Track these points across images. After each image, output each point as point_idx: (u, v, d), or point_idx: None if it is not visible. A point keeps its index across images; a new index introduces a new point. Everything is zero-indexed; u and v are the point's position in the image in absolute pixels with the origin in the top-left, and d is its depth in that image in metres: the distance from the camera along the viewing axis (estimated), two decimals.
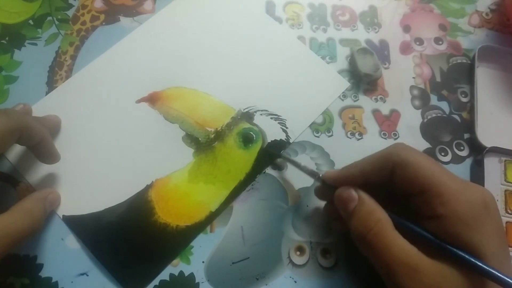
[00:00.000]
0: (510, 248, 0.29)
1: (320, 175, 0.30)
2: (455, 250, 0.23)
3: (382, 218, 0.25)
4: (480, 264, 0.23)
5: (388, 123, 0.38)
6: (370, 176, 0.27)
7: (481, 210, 0.24)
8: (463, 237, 0.23)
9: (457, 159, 0.37)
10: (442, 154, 0.37)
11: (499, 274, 0.22)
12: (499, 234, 0.24)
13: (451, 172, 0.26)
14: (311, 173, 0.31)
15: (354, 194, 0.27)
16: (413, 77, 0.40)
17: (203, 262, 0.32)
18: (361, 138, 0.37)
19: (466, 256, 0.23)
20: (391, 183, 0.27)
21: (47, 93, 0.37)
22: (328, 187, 0.29)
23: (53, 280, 0.31)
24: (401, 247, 0.24)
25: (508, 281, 0.22)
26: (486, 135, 0.37)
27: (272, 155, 0.36)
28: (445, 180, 0.25)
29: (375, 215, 0.26)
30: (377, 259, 0.25)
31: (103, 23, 0.41)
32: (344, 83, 0.39)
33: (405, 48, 0.42)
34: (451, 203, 0.24)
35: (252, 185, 0.35)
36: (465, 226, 0.23)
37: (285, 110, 0.37)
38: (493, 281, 0.22)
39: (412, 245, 0.24)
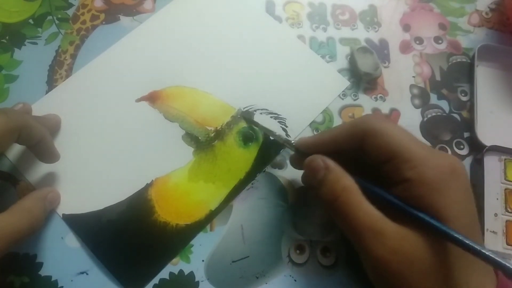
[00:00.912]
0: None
1: (293, 143, 0.31)
2: (415, 211, 0.24)
3: (349, 185, 0.26)
4: (436, 223, 0.23)
5: None
6: (341, 143, 0.28)
7: (447, 174, 0.24)
8: (428, 200, 0.24)
9: None
10: None
11: (454, 234, 0.22)
12: (465, 199, 0.25)
13: (421, 141, 0.26)
14: (285, 141, 0.32)
15: (321, 163, 0.27)
16: (413, 76, 0.40)
17: (203, 260, 0.32)
18: None
19: (425, 217, 0.23)
20: (362, 152, 0.27)
21: (47, 92, 0.37)
22: (301, 155, 0.30)
23: (53, 279, 0.31)
24: (366, 212, 0.25)
25: (463, 240, 0.22)
26: (486, 134, 0.37)
27: (246, 120, 0.36)
28: (415, 147, 0.25)
29: (341, 182, 0.26)
30: (345, 225, 0.26)
31: (103, 22, 0.41)
32: (344, 82, 0.39)
33: (405, 47, 0.42)
34: (419, 167, 0.24)
35: (252, 183, 0.35)
36: (431, 189, 0.24)
37: (285, 109, 0.37)
38: (450, 241, 0.23)
39: (378, 211, 0.25)
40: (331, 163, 0.27)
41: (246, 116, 0.36)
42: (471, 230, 0.24)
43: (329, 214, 0.27)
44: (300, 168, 0.33)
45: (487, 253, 0.22)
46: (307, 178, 0.30)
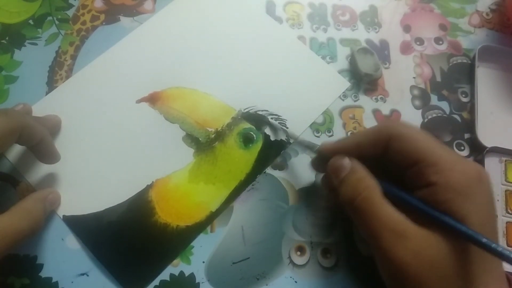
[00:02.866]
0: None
1: (316, 147, 0.31)
2: (441, 214, 0.24)
3: (371, 185, 0.26)
4: (465, 228, 0.23)
5: None
6: (365, 148, 0.28)
7: (474, 180, 0.24)
8: (453, 204, 0.23)
9: None
10: None
11: (481, 238, 0.22)
12: (489, 206, 0.25)
13: (445, 146, 0.26)
14: (309, 145, 0.33)
15: (346, 162, 0.27)
16: (414, 77, 0.40)
17: (203, 262, 0.32)
18: None
19: (451, 221, 0.23)
20: (386, 157, 0.27)
21: (47, 93, 0.37)
22: (324, 158, 0.30)
23: (53, 280, 0.31)
24: (388, 213, 0.25)
25: (490, 243, 0.22)
26: (487, 135, 0.37)
27: (269, 125, 0.36)
28: (440, 151, 0.25)
29: (364, 182, 0.26)
30: (364, 224, 0.25)
31: (103, 23, 0.40)
32: (344, 83, 0.39)
33: (406, 48, 0.42)
34: (445, 172, 0.24)
35: (253, 185, 0.35)
36: (457, 194, 0.24)
37: (286, 110, 0.37)
38: (476, 245, 0.23)
39: (400, 213, 0.25)
40: (356, 163, 0.27)
41: (265, 120, 0.36)
42: (494, 236, 0.24)
43: (349, 214, 0.27)
44: (321, 171, 0.33)
45: None
46: (328, 178, 0.30)
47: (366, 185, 0.26)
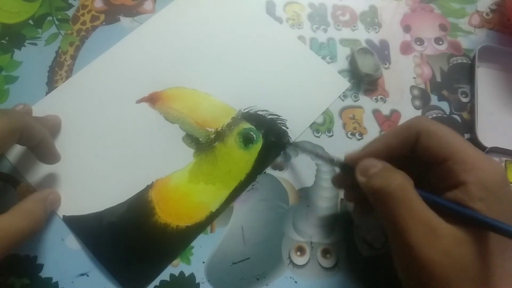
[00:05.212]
0: None
1: (336, 160, 0.30)
2: (476, 214, 0.23)
3: (406, 176, 0.25)
4: (506, 226, 0.22)
5: (388, 123, 0.38)
6: (395, 148, 0.27)
7: (502, 179, 0.24)
8: (485, 202, 0.23)
9: None
10: None
11: None
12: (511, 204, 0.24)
13: (471, 143, 0.26)
14: (330, 160, 0.32)
15: (376, 161, 0.27)
16: (414, 77, 0.40)
17: (203, 262, 0.32)
18: (362, 138, 0.37)
19: (488, 219, 0.22)
20: (415, 154, 0.26)
21: (47, 93, 0.37)
22: (348, 171, 0.29)
23: (54, 281, 0.31)
24: (421, 206, 0.24)
25: None
26: (487, 135, 0.37)
27: (280, 144, 0.36)
28: (468, 149, 0.25)
29: (398, 173, 0.25)
30: (394, 214, 0.24)
31: (103, 23, 0.40)
32: (344, 83, 0.39)
33: (406, 48, 0.42)
34: (475, 170, 0.24)
35: (253, 185, 0.35)
36: (488, 193, 0.23)
37: (286, 110, 0.37)
38: None
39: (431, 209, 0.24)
40: (386, 163, 0.27)
41: (295, 144, 0.36)
42: None
43: (376, 203, 0.26)
44: (342, 187, 0.32)
45: None
46: (357, 177, 0.27)
47: (401, 175, 0.25)
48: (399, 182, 0.25)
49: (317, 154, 0.33)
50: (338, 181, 0.32)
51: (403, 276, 0.25)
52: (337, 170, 0.31)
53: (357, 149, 0.29)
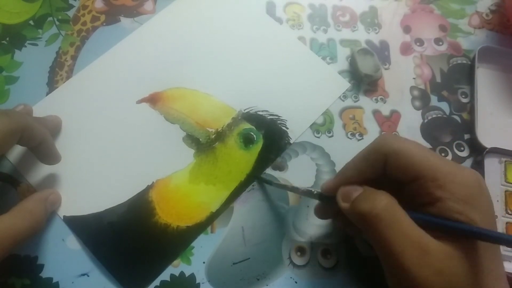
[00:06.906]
0: None
1: (314, 192, 0.30)
2: (466, 226, 0.23)
3: (391, 199, 0.25)
4: (497, 233, 0.22)
5: (388, 123, 0.38)
6: (366, 172, 0.27)
7: (476, 189, 0.24)
8: (463, 216, 0.23)
9: (457, 160, 0.37)
10: (443, 154, 0.37)
11: None
12: (491, 211, 0.25)
13: (441, 156, 0.26)
14: (307, 193, 0.31)
15: (356, 186, 0.27)
16: (413, 78, 0.40)
17: (203, 262, 0.32)
18: (362, 138, 0.37)
19: (481, 230, 0.22)
20: (384, 175, 0.26)
21: (47, 94, 0.37)
22: (328, 201, 0.29)
23: (54, 281, 0.31)
24: (411, 226, 0.23)
25: None
26: (486, 136, 0.37)
27: (263, 181, 0.35)
28: (438, 163, 0.25)
29: (383, 196, 0.25)
30: (383, 237, 0.23)
31: (104, 24, 0.41)
32: (344, 84, 0.39)
33: (406, 49, 0.42)
34: (447, 185, 0.24)
35: (253, 185, 0.35)
36: (464, 206, 0.23)
37: (286, 110, 0.38)
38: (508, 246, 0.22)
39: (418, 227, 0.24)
40: (367, 186, 0.26)
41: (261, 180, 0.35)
42: None
43: (364, 228, 0.25)
44: (326, 218, 0.32)
45: None
46: (339, 204, 0.27)
47: (385, 195, 0.25)
48: (385, 203, 0.24)
49: (293, 188, 0.33)
50: (320, 212, 0.31)
51: None
52: (317, 203, 0.31)
53: (330, 179, 0.29)
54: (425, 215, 0.24)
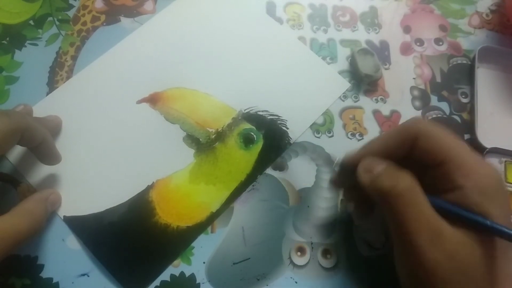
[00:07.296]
0: None
1: (338, 161, 0.30)
2: (481, 218, 0.23)
3: (413, 177, 0.25)
4: (506, 229, 0.22)
5: (388, 123, 0.38)
6: (393, 149, 0.27)
7: (497, 183, 0.24)
8: (482, 207, 0.23)
9: None
10: None
11: None
12: (508, 207, 0.25)
13: (469, 147, 0.26)
14: (329, 160, 0.31)
15: (379, 161, 0.27)
16: (414, 78, 0.40)
17: (204, 262, 0.32)
18: (362, 138, 0.37)
19: (492, 223, 0.23)
20: (410, 157, 0.26)
21: (47, 94, 0.37)
22: (348, 172, 0.29)
23: (54, 281, 0.31)
24: (429, 208, 0.24)
25: None
26: (486, 136, 0.37)
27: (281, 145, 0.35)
28: (466, 152, 0.25)
29: (405, 172, 0.25)
30: (401, 216, 0.24)
31: (104, 24, 0.41)
32: (344, 84, 0.39)
33: (406, 49, 0.42)
34: (472, 175, 0.24)
35: (253, 185, 0.35)
36: (485, 197, 0.24)
37: (286, 110, 0.38)
38: None
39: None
40: (391, 162, 0.26)
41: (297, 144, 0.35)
42: None
43: (383, 204, 0.25)
44: (342, 187, 0.32)
45: None
46: (357, 177, 0.27)
47: (409, 175, 0.25)
48: (407, 183, 0.25)
49: (318, 153, 0.33)
50: (337, 182, 0.32)
51: (404, 278, 0.25)
52: (336, 169, 0.31)
53: (356, 149, 0.29)
54: (444, 201, 0.24)
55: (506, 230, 0.23)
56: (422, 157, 0.26)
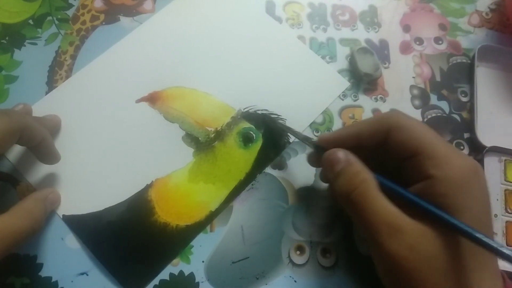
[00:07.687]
0: None
1: (313, 140, 0.31)
2: (435, 208, 0.24)
3: (367, 179, 0.26)
4: (458, 222, 0.23)
5: None
6: (365, 138, 0.28)
7: (470, 175, 0.24)
8: (449, 198, 0.24)
9: None
10: None
11: (475, 233, 0.22)
12: (484, 201, 0.25)
13: (443, 139, 0.26)
14: (304, 138, 0.33)
15: (341, 155, 0.27)
16: (413, 77, 0.40)
17: (203, 261, 0.32)
18: None
19: (446, 215, 0.23)
20: (384, 148, 0.27)
21: (47, 93, 0.37)
22: (321, 152, 0.30)
23: (53, 280, 0.31)
24: (384, 207, 0.25)
25: (483, 238, 0.22)
26: (486, 135, 0.37)
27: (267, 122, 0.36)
28: (439, 144, 0.25)
29: (360, 176, 0.26)
30: (360, 218, 0.25)
31: (103, 23, 0.41)
32: (344, 83, 0.39)
33: (405, 48, 0.42)
34: (443, 165, 0.24)
35: (252, 184, 0.35)
36: (453, 188, 0.24)
37: (285, 109, 0.37)
38: (470, 239, 0.23)
39: (395, 207, 0.25)
40: (351, 156, 0.27)
41: (265, 118, 0.37)
42: (488, 231, 0.25)
43: (344, 207, 0.27)
44: (317, 166, 0.33)
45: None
46: (325, 171, 0.29)
47: (362, 178, 0.26)
48: (360, 190, 0.25)
49: (294, 132, 0.34)
50: (312, 160, 0.33)
51: (379, 273, 0.26)
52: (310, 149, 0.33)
53: (330, 132, 0.30)
54: (404, 191, 0.25)
55: (454, 220, 0.23)
56: (395, 149, 0.26)
